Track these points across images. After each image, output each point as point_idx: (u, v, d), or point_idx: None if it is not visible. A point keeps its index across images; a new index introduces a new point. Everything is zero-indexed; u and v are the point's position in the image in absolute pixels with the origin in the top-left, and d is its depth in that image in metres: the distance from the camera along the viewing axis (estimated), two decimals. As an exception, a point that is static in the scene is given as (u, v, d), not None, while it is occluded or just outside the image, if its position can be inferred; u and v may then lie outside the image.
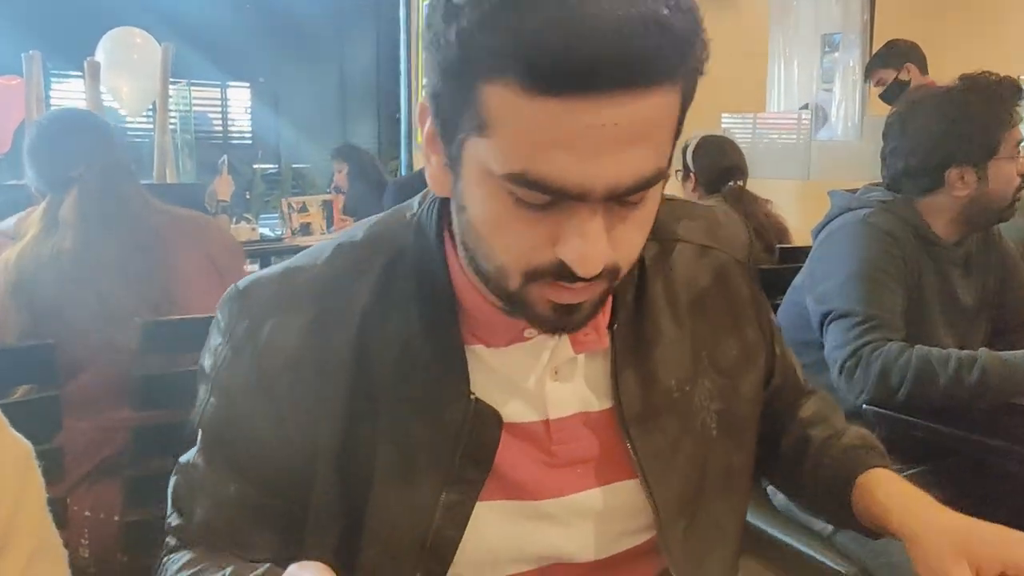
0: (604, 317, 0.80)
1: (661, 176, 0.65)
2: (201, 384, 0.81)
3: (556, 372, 0.80)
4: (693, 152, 2.86)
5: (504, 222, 0.66)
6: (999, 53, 3.51)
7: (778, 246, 2.35)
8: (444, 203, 0.77)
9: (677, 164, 2.88)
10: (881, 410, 1.56)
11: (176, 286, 1.72)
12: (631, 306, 0.82)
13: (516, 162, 0.62)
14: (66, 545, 1.55)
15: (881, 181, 1.84)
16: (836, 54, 4.92)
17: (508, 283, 0.69)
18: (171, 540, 0.83)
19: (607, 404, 0.81)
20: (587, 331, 0.78)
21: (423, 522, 0.76)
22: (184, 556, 0.79)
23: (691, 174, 2.88)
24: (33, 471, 0.77)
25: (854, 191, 1.87)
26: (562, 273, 0.66)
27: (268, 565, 0.72)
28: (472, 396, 0.76)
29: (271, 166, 7.33)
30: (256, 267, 3.58)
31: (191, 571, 0.77)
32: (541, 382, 0.79)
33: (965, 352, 1.56)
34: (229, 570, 0.74)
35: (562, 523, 0.80)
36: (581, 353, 0.80)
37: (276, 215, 6.22)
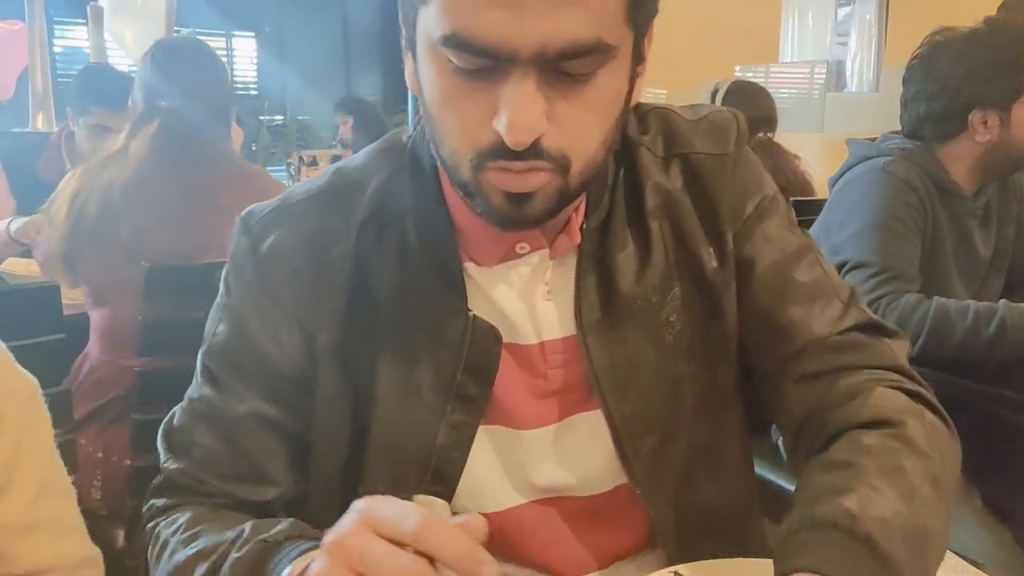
0: (577, 219, 0.78)
1: (602, 49, 0.63)
2: (210, 319, 0.82)
3: (548, 291, 0.78)
4: (724, 97, 2.80)
5: (448, 96, 0.66)
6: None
7: (793, 199, 2.32)
8: None
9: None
10: None
11: (212, 242, 1.69)
12: (606, 211, 0.79)
13: (449, 23, 0.62)
14: (78, 487, 1.57)
15: (901, 130, 1.81)
16: (851, 7, 4.82)
17: (462, 170, 0.68)
18: (159, 500, 0.79)
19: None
20: (563, 236, 0.77)
21: (427, 439, 0.76)
22: (180, 517, 0.76)
23: None
24: (39, 407, 0.76)
25: (873, 140, 1.84)
26: (502, 150, 0.64)
27: (292, 520, 0.69)
28: (470, 313, 0.76)
29: (277, 118, 7.27)
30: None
31: (193, 531, 0.73)
32: (533, 301, 0.78)
33: (984, 304, 1.53)
34: (249, 525, 0.69)
35: (554, 455, 0.79)
36: (555, 258, 0.78)
37: (282, 167, 6.18)
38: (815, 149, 3.99)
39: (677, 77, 3.31)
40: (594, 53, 0.62)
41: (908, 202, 1.66)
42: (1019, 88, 1.65)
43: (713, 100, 2.83)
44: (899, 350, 0.81)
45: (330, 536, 0.56)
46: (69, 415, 1.39)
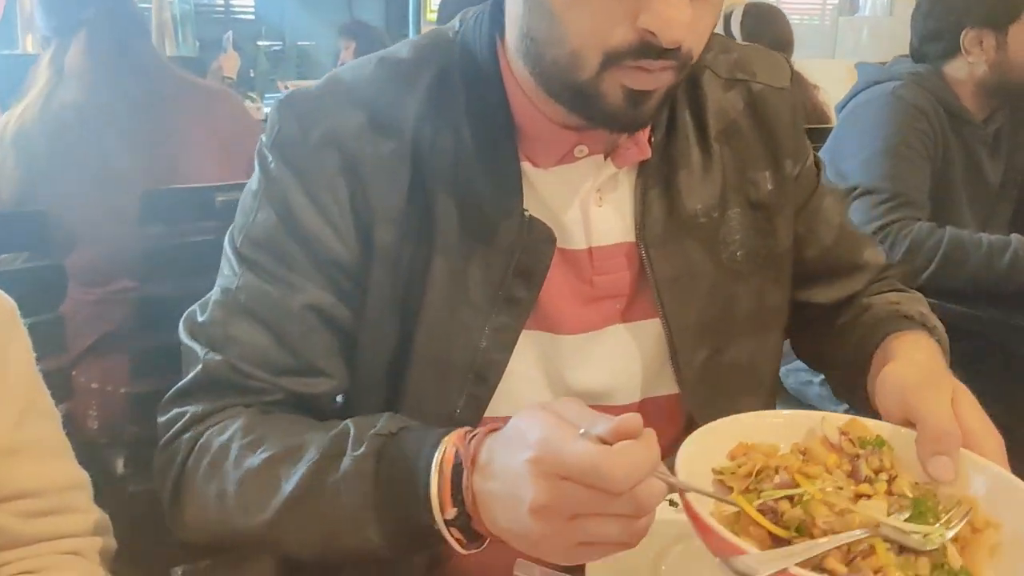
0: (644, 132, 0.78)
1: None
2: (242, 211, 0.78)
3: (600, 197, 0.78)
4: (741, 20, 2.74)
5: None
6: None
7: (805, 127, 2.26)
8: (494, 17, 0.76)
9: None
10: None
11: (181, 156, 1.65)
12: (664, 126, 0.80)
13: None
14: (74, 417, 1.55)
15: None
16: (866, -73, 4.66)
17: (582, 71, 0.67)
18: (195, 405, 0.74)
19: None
20: (628, 146, 0.77)
21: (472, 342, 0.75)
22: (232, 423, 0.72)
23: None
24: (18, 328, 0.74)
25: (884, 64, 1.80)
26: (643, 49, 0.65)
27: (387, 413, 0.69)
28: (526, 213, 0.75)
29: (275, 43, 7.13)
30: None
31: (256, 434, 0.69)
32: (586, 207, 0.78)
33: (997, 236, 1.52)
34: (349, 423, 0.67)
35: (593, 361, 0.80)
36: (623, 167, 0.78)
37: (280, 94, 6.08)
38: (826, 75, 3.90)
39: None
40: None
41: (918, 127, 1.62)
42: (1016, 8, 1.60)
43: (727, 24, 2.76)
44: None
45: (526, 491, 0.55)
46: (63, 343, 1.38)
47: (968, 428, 0.65)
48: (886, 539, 0.56)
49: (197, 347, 0.76)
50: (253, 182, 0.78)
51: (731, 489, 0.62)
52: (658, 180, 0.79)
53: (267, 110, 4.89)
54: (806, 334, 0.96)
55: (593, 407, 0.79)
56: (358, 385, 0.79)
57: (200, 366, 0.75)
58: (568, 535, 0.55)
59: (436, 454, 0.62)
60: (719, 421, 0.66)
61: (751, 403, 0.84)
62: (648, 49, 0.65)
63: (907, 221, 1.54)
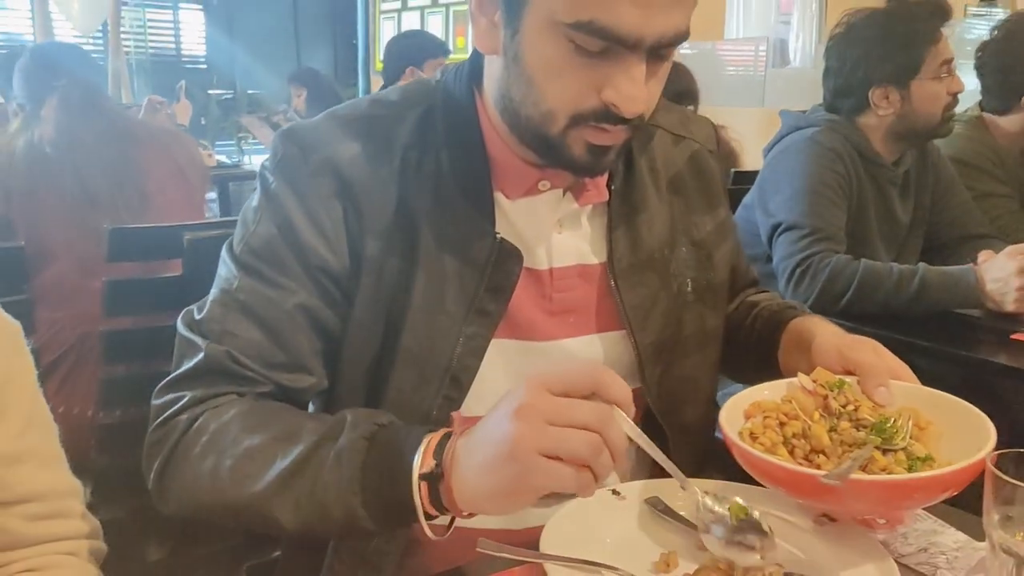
0: (602, 178, 0.92)
1: (688, 36, 0.78)
2: (242, 223, 0.88)
3: (561, 225, 0.92)
4: None
5: (559, 68, 0.78)
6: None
7: (732, 170, 2.41)
8: (471, 71, 0.90)
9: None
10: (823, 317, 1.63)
11: (149, 187, 1.80)
12: (623, 174, 0.94)
13: (584, 11, 0.74)
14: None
15: (828, 102, 1.90)
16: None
17: (552, 127, 0.81)
18: (193, 390, 0.81)
19: (601, 259, 0.93)
20: (588, 188, 0.92)
21: (448, 348, 0.86)
22: (230, 408, 0.80)
23: None
24: (23, 348, 0.80)
25: (804, 112, 1.94)
26: (605, 116, 0.79)
27: (379, 411, 0.79)
28: (497, 235, 0.87)
29: (226, 91, 7.17)
30: (214, 195, 3.56)
31: (256, 419, 0.78)
32: (548, 234, 0.91)
33: (906, 265, 1.64)
34: (348, 412, 0.77)
35: (555, 365, 0.90)
36: (585, 205, 0.92)
37: (232, 142, 6.13)
38: (756, 122, 4.10)
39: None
40: (683, 40, 0.78)
41: (835, 169, 1.76)
42: (916, 65, 1.75)
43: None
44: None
45: (511, 404, 0.67)
46: (30, 321, 1.43)
47: (890, 366, 0.87)
48: (876, 448, 0.77)
49: (197, 339, 0.84)
50: (253, 199, 0.88)
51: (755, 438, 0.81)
52: (621, 221, 0.93)
53: (219, 157, 4.91)
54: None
55: None
56: (341, 385, 0.89)
57: (202, 355, 0.83)
58: (541, 439, 0.65)
59: (425, 436, 0.73)
60: (732, 399, 0.84)
61: (693, 411, 0.98)
62: (609, 116, 0.78)
63: (826, 253, 1.65)
